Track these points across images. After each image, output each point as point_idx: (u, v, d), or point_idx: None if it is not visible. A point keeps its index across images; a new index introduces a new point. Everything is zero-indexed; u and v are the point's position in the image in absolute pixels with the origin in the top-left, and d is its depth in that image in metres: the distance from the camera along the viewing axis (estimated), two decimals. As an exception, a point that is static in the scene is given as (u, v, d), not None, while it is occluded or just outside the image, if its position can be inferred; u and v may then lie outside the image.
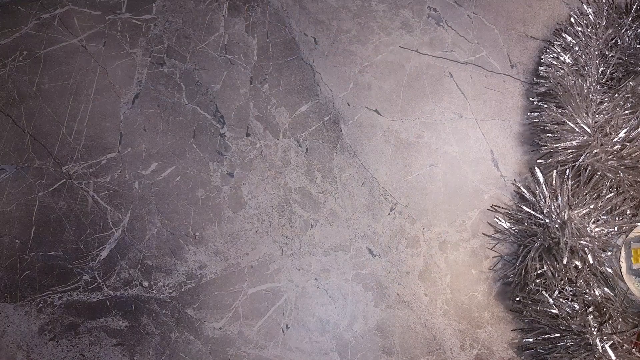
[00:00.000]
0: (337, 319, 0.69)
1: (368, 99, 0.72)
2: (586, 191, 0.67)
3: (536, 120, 0.71)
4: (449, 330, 0.68)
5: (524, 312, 0.67)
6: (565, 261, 0.64)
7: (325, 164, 0.71)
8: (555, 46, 0.74)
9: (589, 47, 0.72)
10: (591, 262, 0.64)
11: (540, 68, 0.73)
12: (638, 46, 0.72)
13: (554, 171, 0.68)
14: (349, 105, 0.72)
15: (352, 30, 0.71)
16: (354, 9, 0.69)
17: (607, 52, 0.72)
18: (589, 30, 0.73)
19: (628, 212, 0.68)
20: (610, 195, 0.67)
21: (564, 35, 0.74)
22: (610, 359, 0.62)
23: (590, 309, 0.64)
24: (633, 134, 0.68)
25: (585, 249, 0.64)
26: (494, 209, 0.69)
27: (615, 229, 0.66)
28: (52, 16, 0.77)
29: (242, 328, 0.69)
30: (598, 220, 0.66)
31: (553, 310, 0.65)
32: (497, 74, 0.71)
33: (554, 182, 0.67)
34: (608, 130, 0.68)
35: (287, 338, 0.69)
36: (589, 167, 0.67)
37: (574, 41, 0.73)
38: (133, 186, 0.72)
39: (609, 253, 0.67)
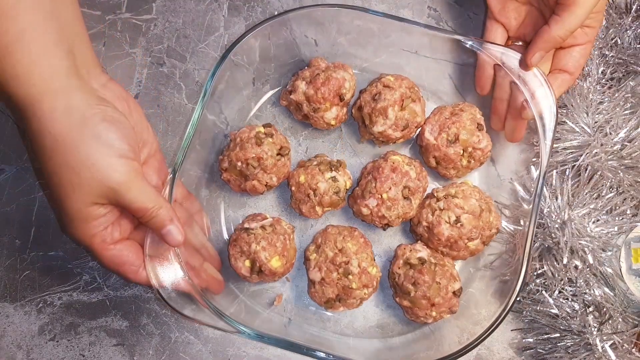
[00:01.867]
0: (337, 317, 0.69)
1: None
2: (586, 191, 0.67)
3: (536, 120, 0.71)
4: (449, 329, 0.68)
5: (524, 312, 0.67)
6: (565, 261, 0.64)
7: (325, 164, 0.71)
8: (555, 46, 0.73)
9: (588, 47, 0.72)
10: (591, 262, 0.64)
11: (540, 68, 0.73)
12: (638, 46, 0.72)
13: (554, 171, 0.68)
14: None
15: (352, 32, 0.71)
16: (353, 11, 0.69)
17: (607, 52, 0.72)
18: (588, 30, 0.73)
19: (628, 212, 0.68)
20: (610, 195, 0.67)
21: (563, 35, 0.74)
22: (610, 359, 0.62)
23: (590, 309, 0.64)
24: (633, 134, 0.68)
25: (585, 249, 0.64)
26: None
27: (615, 229, 0.66)
28: (52, 16, 0.77)
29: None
30: (598, 220, 0.66)
31: (553, 310, 0.65)
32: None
33: (553, 182, 0.67)
34: (608, 130, 0.68)
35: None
36: (589, 167, 0.67)
37: (574, 41, 0.73)
38: (133, 186, 0.72)
39: (609, 253, 0.67)
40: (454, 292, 0.64)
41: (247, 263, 0.64)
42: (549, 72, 0.66)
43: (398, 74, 0.69)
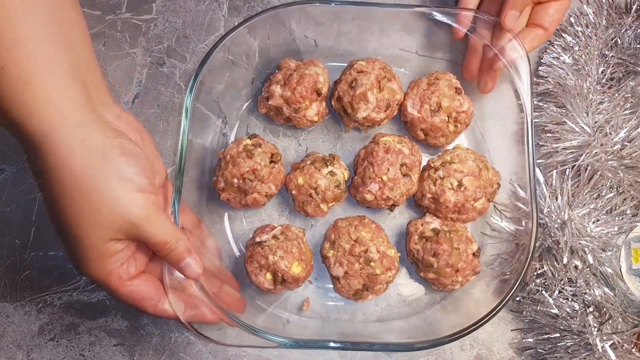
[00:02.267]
0: (337, 315, 0.69)
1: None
2: (586, 191, 0.67)
3: (536, 120, 0.71)
4: (449, 328, 0.68)
5: (524, 312, 0.67)
6: (565, 261, 0.64)
7: (325, 164, 0.71)
8: (555, 46, 0.74)
9: (589, 47, 0.72)
10: (591, 262, 0.64)
11: (540, 68, 0.73)
12: (638, 46, 0.72)
13: (554, 171, 0.68)
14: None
15: (352, 32, 0.71)
16: (354, 11, 0.69)
17: (607, 52, 0.72)
18: (589, 30, 0.73)
19: (628, 212, 0.68)
20: (610, 195, 0.67)
21: (564, 35, 0.74)
22: (610, 359, 0.62)
23: (590, 309, 0.64)
24: (633, 134, 0.68)
25: (585, 249, 0.64)
26: (494, 207, 0.69)
27: (615, 229, 0.66)
28: (52, 16, 0.77)
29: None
30: (598, 220, 0.66)
31: (553, 310, 0.65)
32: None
33: (553, 182, 0.67)
34: (608, 130, 0.68)
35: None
36: (589, 167, 0.67)
37: (574, 41, 0.73)
38: (133, 186, 0.72)
39: (609, 253, 0.67)
40: (473, 254, 0.65)
41: (269, 276, 0.64)
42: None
43: (368, 57, 0.70)
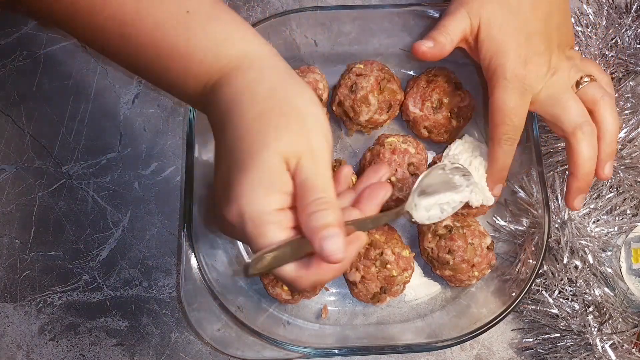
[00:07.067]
0: (337, 316, 0.69)
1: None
2: (586, 191, 0.67)
3: (536, 120, 0.71)
4: (449, 328, 0.68)
5: (524, 312, 0.67)
6: (565, 261, 0.64)
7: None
8: (555, 46, 0.73)
9: (589, 47, 0.72)
10: (591, 262, 0.64)
11: (540, 68, 0.73)
12: (638, 46, 0.72)
13: (554, 171, 0.68)
14: (349, 105, 0.72)
15: (352, 32, 0.71)
16: (354, 11, 0.69)
17: (607, 52, 0.72)
18: (589, 30, 0.73)
19: (628, 212, 0.68)
20: (610, 195, 0.67)
21: (563, 35, 0.74)
22: (610, 359, 0.62)
23: (590, 309, 0.64)
24: (633, 134, 0.68)
25: (585, 249, 0.64)
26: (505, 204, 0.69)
27: (615, 229, 0.66)
28: (52, 16, 0.77)
29: (242, 327, 0.69)
30: (598, 220, 0.66)
31: (553, 310, 0.65)
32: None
33: (553, 182, 0.67)
34: (608, 130, 0.68)
35: (287, 336, 0.69)
36: (589, 167, 0.67)
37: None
38: (133, 186, 0.72)
39: (609, 253, 0.67)
40: (487, 247, 0.65)
41: (285, 287, 0.64)
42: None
43: (366, 60, 0.70)
